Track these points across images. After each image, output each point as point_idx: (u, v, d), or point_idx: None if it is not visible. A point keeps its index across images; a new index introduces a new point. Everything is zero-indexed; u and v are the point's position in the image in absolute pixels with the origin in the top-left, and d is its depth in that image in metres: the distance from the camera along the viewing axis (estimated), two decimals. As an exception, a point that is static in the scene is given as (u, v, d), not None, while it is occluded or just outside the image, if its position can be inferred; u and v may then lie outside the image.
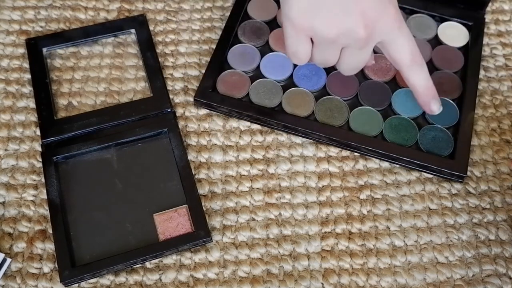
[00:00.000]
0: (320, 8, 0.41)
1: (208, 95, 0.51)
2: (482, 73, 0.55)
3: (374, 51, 0.48)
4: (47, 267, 0.44)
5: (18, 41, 0.55)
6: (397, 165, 0.49)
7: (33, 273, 0.44)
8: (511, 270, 0.45)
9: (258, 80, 0.52)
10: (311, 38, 0.43)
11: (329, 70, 0.53)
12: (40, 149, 0.49)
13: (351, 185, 0.48)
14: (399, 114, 0.51)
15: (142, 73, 0.54)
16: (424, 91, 0.46)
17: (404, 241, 0.46)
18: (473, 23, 0.56)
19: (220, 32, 0.56)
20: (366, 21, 0.41)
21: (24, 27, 0.56)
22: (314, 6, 0.41)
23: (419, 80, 0.46)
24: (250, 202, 0.48)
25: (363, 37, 0.42)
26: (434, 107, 0.47)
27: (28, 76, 0.53)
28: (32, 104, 0.52)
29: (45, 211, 0.47)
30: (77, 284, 0.44)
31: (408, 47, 0.44)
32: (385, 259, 0.45)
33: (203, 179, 0.49)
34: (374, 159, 0.50)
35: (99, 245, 0.45)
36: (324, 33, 0.42)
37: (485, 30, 0.57)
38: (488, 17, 0.58)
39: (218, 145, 0.50)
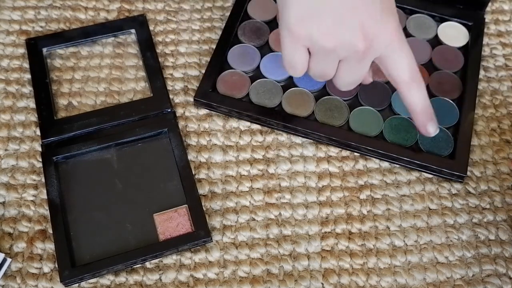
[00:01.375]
0: (318, 16, 0.40)
1: (208, 95, 0.51)
2: (482, 73, 0.55)
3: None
4: (47, 267, 0.44)
5: (18, 41, 0.55)
6: (397, 165, 0.49)
7: (33, 273, 0.44)
8: (511, 270, 0.45)
9: (258, 80, 0.52)
10: (308, 50, 0.42)
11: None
12: (40, 149, 0.49)
13: (351, 185, 0.48)
14: (399, 114, 0.51)
15: (142, 73, 0.54)
16: (421, 111, 0.45)
17: (404, 241, 0.46)
18: (473, 23, 0.56)
19: (220, 32, 0.56)
20: (366, 33, 0.40)
21: (24, 27, 0.56)
22: (313, 14, 0.40)
23: (417, 99, 0.44)
24: (250, 202, 0.48)
25: (361, 49, 0.41)
26: (431, 129, 0.46)
27: (28, 76, 0.53)
28: (32, 104, 0.52)
29: (45, 211, 0.47)
30: (77, 284, 0.44)
31: (407, 63, 0.43)
32: (385, 259, 0.45)
33: (203, 179, 0.49)
34: (374, 159, 0.50)
35: (99, 245, 0.45)
36: (322, 42, 0.41)
37: (485, 30, 0.57)
38: (488, 17, 0.58)
39: (218, 145, 0.50)
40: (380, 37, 0.41)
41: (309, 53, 0.43)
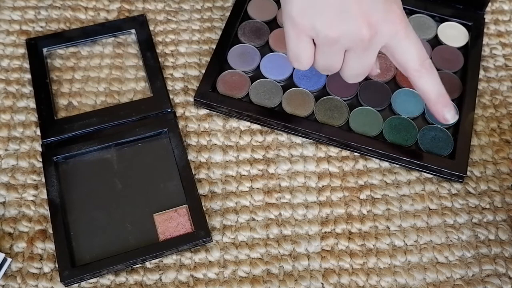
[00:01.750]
0: (321, 6, 0.40)
1: (208, 95, 0.51)
2: (482, 73, 0.55)
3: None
4: (47, 267, 0.45)
5: (18, 41, 0.55)
6: (397, 165, 0.49)
7: (33, 273, 0.44)
8: (511, 270, 0.45)
9: (258, 80, 0.53)
10: (313, 41, 0.42)
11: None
12: (40, 149, 0.49)
13: (351, 185, 0.48)
14: (399, 114, 0.51)
15: (142, 73, 0.54)
16: (436, 99, 0.44)
17: (404, 241, 0.46)
18: (472, 23, 0.56)
19: (220, 32, 0.56)
20: (370, 21, 0.40)
21: (24, 27, 0.56)
22: (315, 4, 0.40)
23: (429, 86, 0.43)
24: (250, 202, 0.48)
25: (366, 38, 0.40)
26: (448, 116, 0.44)
27: (28, 76, 0.53)
28: (32, 104, 0.52)
29: (45, 211, 0.47)
30: (77, 284, 0.44)
31: (415, 49, 0.42)
32: (385, 259, 0.45)
33: (203, 179, 0.49)
34: (374, 159, 0.50)
35: (99, 245, 0.45)
36: (326, 32, 0.40)
37: (485, 30, 0.57)
38: (488, 17, 0.58)
39: (218, 145, 0.50)
40: (385, 24, 0.41)
41: (314, 45, 0.42)
